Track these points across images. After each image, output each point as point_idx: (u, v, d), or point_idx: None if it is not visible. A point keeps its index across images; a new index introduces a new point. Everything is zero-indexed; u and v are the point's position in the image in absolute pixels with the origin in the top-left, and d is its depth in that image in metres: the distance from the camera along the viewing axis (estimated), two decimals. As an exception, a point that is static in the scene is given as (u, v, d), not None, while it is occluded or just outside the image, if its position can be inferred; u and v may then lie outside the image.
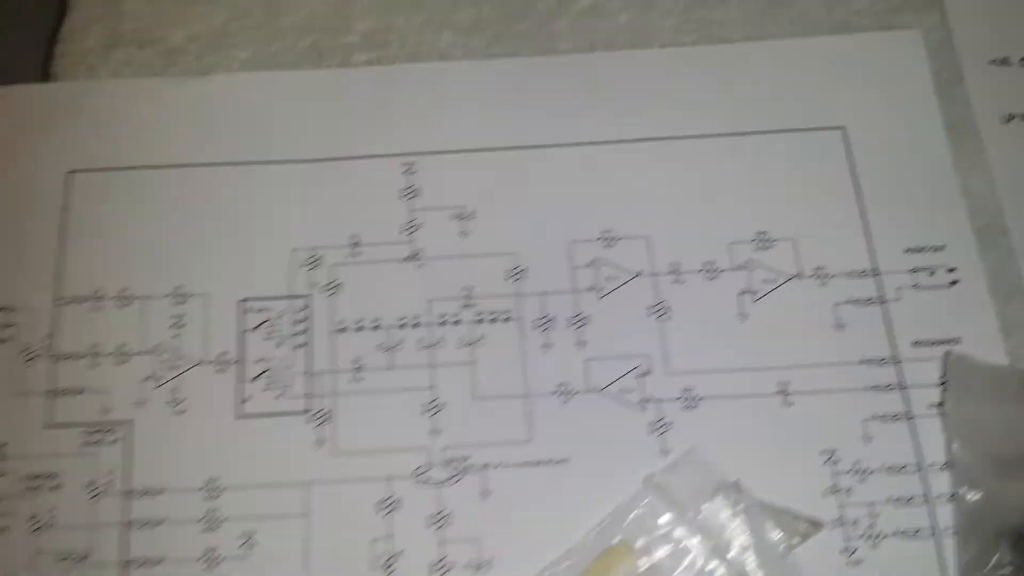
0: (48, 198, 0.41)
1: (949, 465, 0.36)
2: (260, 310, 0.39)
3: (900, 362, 0.38)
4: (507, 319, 0.39)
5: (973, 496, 0.35)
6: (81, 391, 0.37)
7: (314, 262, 0.39)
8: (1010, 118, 0.43)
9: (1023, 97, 0.43)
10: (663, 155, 0.42)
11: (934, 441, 0.36)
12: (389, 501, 0.35)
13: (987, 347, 0.38)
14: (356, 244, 0.40)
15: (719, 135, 0.42)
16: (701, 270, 0.39)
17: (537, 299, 0.39)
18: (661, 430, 0.37)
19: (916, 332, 0.38)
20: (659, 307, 0.39)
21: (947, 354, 0.38)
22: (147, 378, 0.37)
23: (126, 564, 0.35)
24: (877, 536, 0.35)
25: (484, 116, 0.43)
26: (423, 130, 0.42)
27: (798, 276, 0.39)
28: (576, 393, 0.37)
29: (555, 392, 0.37)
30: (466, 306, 0.39)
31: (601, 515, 0.35)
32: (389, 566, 0.35)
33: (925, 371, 0.38)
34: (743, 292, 0.39)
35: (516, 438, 0.37)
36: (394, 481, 0.36)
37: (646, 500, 0.35)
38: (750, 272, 0.39)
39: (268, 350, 0.38)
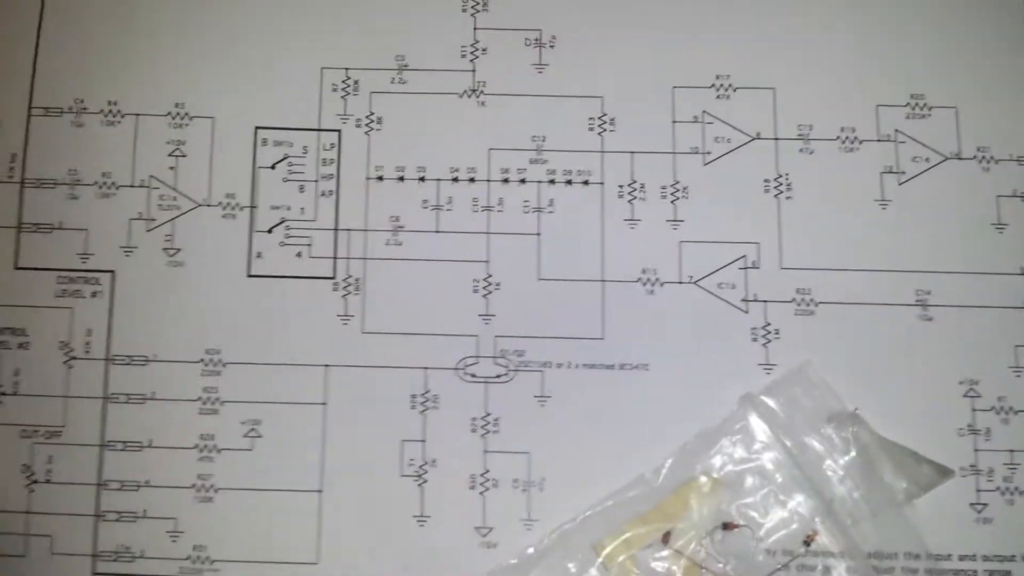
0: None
1: None
2: (279, 143, 0.28)
3: (1067, 276, 0.27)
4: (585, 181, 0.28)
5: None
6: (55, 228, 0.27)
7: (349, 87, 0.28)
8: None
9: None
10: (804, -17, 0.29)
11: (1094, 379, 0.27)
12: (425, 396, 0.26)
13: None
14: (403, 68, 0.29)
15: (876, -37, 0.29)
16: (837, 138, 0.28)
17: (625, 159, 0.28)
18: (766, 339, 0.27)
19: (1093, 240, 0.28)
20: (779, 182, 0.28)
21: None
22: (137, 218, 0.28)
23: (105, 446, 0.26)
24: (1015, 491, 0.26)
25: (577, -89, 0.30)
26: (497, -76, 0.30)
27: (956, 156, 0.28)
28: (664, 283, 0.27)
29: (638, 280, 0.27)
30: (535, 160, 0.28)
31: (683, 438, 0.26)
32: (420, 475, 0.26)
33: (1097, 289, 0.27)
34: (887, 171, 0.28)
35: (586, 333, 0.27)
36: (432, 373, 0.27)
37: (740, 425, 0.26)
38: (898, 146, 0.28)
39: (287, 195, 0.28)
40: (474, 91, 0.29)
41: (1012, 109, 0.29)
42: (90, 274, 0.27)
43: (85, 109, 0.28)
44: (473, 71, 0.29)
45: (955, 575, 0.25)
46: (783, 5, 0.29)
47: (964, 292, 0.27)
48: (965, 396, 0.27)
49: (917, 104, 0.28)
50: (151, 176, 0.28)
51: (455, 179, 0.28)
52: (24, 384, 0.27)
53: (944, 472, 0.26)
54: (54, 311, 0.27)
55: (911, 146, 0.28)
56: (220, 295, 0.27)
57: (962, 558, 0.26)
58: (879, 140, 0.28)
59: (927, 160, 0.28)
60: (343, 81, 0.29)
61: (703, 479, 0.25)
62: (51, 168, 0.28)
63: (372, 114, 0.28)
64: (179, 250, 0.27)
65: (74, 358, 0.27)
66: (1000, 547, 0.26)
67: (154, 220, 0.28)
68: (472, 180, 0.28)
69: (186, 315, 0.27)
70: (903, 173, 0.28)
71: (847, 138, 0.28)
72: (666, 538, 0.25)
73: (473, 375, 0.27)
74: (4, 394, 0.27)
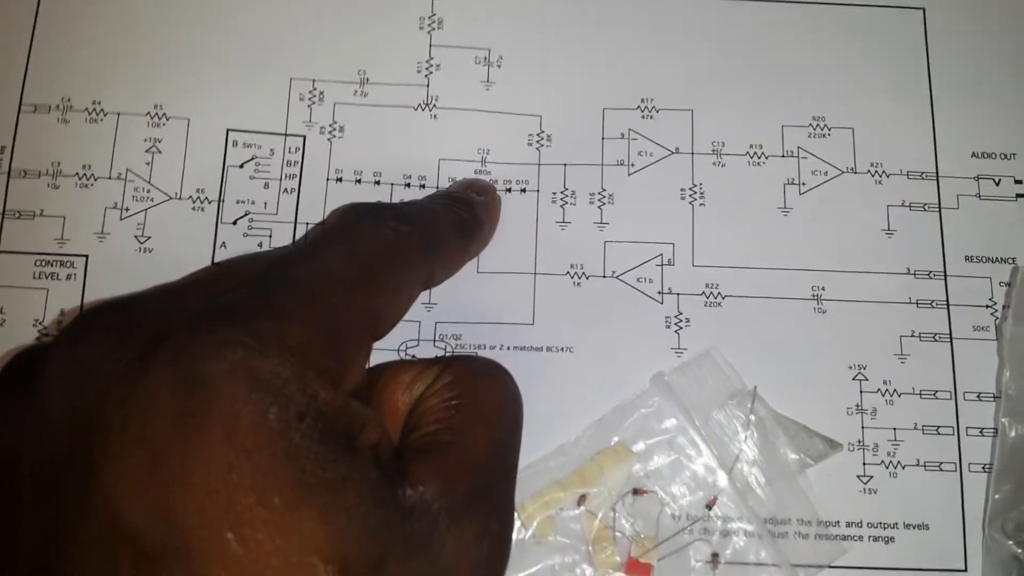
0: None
1: (997, 394, 0.29)
2: (248, 145, 0.30)
3: (948, 277, 0.30)
4: (523, 189, 0.31)
5: (1017, 430, 0.28)
6: (36, 215, 0.30)
7: (315, 98, 0.31)
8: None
9: None
10: (718, 18, 0.32)
11: (972, 368, 0.29)
12: (370, 373, 0.29)
13: (1045, 271, 0.30)
14: (364, 81, 0.31)
15: (782, 1, 0.32)
16: (746, 153, 0.31)
17: (559, 170, 0.31)
18: (678, 326, 0.29)
19: (970, 246, 0.30)
20: (694, 191, 0.31)
21: (1016, 269, 0.30)
22: (112, 207, 0.30)
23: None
24: (897, 464, 0.29)
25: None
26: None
27: (852, 170, 0.31)
28: (590, 276, 0.30)
29: (567, 273, 0.30)
30: (480, 171, 0.31)
31: (601, 412, 0.28)
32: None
33: (974, 289, 0.30)
34: (789, 182, 0.31)
35: (518, 319, 0.29)
36: (375, 355, 0.28)
37: (652, 400, 0.28)
38: (800, 160, 0.31)
39: (253, 191, 0.30)
40: (428, 104, 0.31)
41: (903, 130, 0.32)
42: (66, 258, 0.29)
43: (71, 107, 0.30)
44: (427, 86, 0.32)
45: (843, 539, 0.28)
46: (701, 38, 0.32)
47: (855, 288, 0.30)
48: (854, 379, 0.29)
49: (818, 125, 0.31)
50: (128, 170, 0.30)
51: (407, 184, 0.31)
52: (-5, 358, 0.28)
53: (834, 445, 0.28)
54: (30, 293, 0.29)
55: (812, 161, 0.31)
56: (185, 279, 0.29)
57: (849, 524, 0.28)
58: (783, 156, 0.31)
59: (825, 174, 0.31)
60: (310, 92, 0.31)
61: (617, 448, 0.27)
62: (35, 160, 0.30)
63: (335, 123, 0.31)
64: (149, 238, 0.30)
65: (46, 335, 0.29)
66: (884, 515, 0.28)
67: (128, 210, 0.30)
68: (423, 186, 0.31)
69: (154, 296, 0.29)
70: (804, 184, 0.31)
71: (755, 153, 0.31)
72: (582, 501, 0.27)
73: (413, 356, 0.29)
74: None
